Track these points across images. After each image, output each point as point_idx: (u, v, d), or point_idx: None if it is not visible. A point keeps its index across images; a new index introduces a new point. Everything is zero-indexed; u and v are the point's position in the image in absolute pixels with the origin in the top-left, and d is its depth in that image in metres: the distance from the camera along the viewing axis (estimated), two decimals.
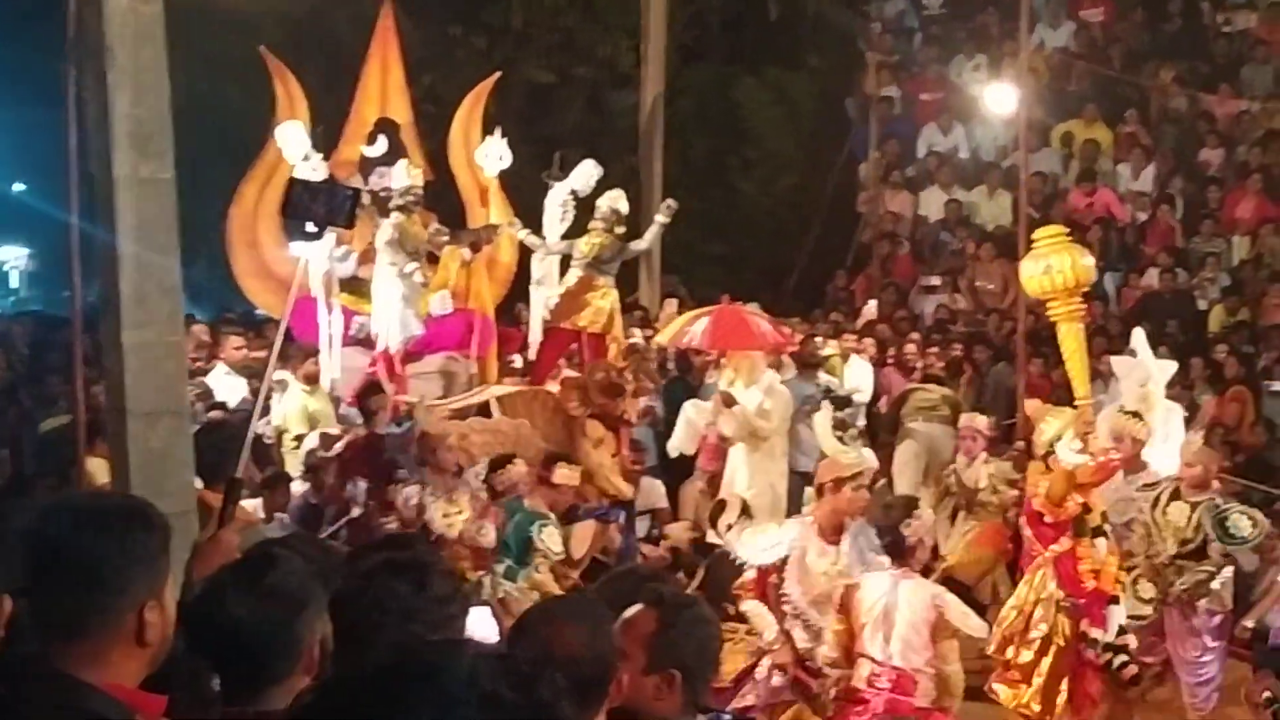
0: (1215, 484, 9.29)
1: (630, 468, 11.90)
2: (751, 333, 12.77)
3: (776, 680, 7.54)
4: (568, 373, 12.84)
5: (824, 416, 8.14)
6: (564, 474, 9.95)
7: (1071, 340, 8.70)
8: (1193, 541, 8.93)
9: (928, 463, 12.26)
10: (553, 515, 9.76)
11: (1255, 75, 19.12)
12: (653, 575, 4.40)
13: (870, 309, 16.34)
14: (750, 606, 7.63)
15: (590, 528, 10.53)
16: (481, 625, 7.86)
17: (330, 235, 10.96)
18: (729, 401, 11.97)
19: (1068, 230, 9.30)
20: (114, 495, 3.19)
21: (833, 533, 7.53)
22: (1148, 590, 9.02)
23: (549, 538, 9.38)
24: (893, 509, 7.40)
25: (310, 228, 4.47)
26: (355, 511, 10.39)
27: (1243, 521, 8.91)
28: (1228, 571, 9.12)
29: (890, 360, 15.20)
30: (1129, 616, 8.75)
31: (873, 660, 7.12)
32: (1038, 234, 9.04)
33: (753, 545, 7.62)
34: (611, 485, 10.54)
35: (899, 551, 7.21)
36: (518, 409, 11.08)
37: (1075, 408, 8.70)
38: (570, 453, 10.59)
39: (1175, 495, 9.05)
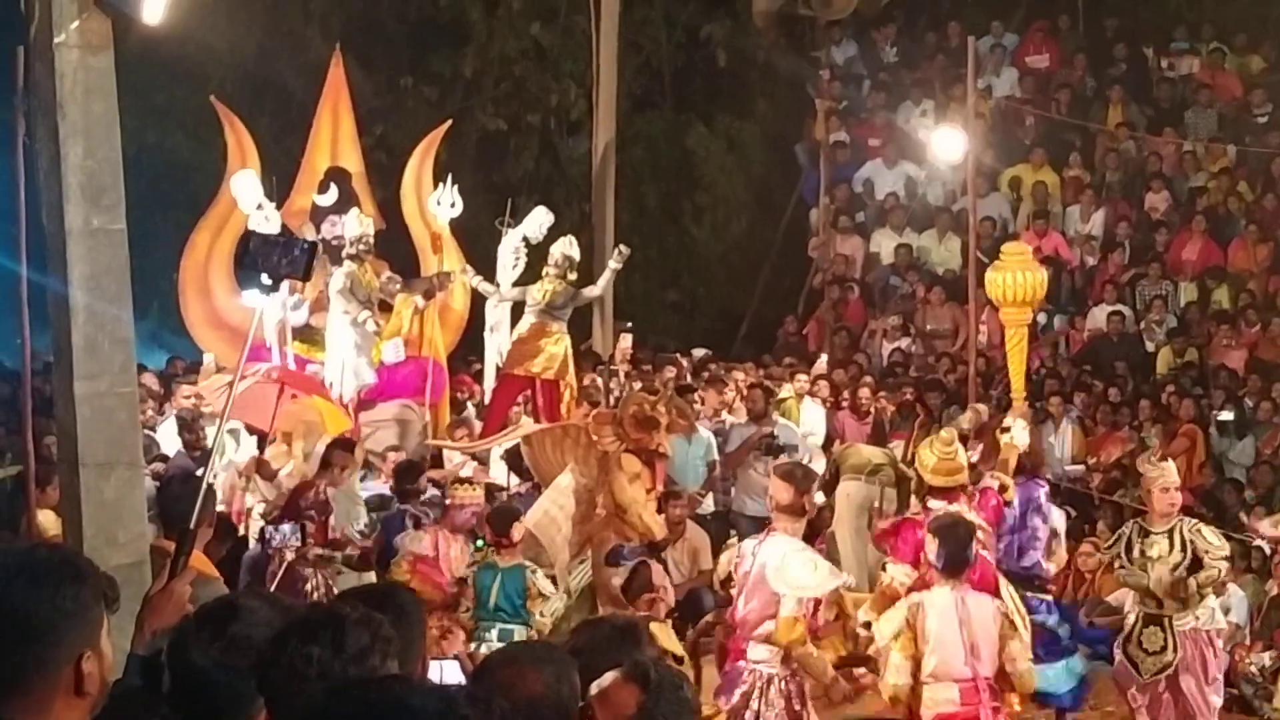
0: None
1: (670, 510, 11.17)
2: (321, 386, 12.24)
3: None
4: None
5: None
6: (519, 527, 9.75)
7: (1017, 342, 9.82)
8: (1183, 562, 9.05)
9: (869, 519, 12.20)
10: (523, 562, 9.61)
11: (1198, 119, 19.38)
12: (628, 627, 4.36)
13: (821, 364, 16.27)
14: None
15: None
16: (450, 676, 7.82)
17: (284, 285, 10.93)
18: (266, 472, 11.13)
19: (1025, 252, 10.31)
20: (44, 548, 3.16)
21: None
22: (1155, 639, 9.12)
23: (542, 582, 9.32)
24: (959, 527, 7.67)
25: (265, 280, 4.46)
26: (289, 555, 10.42)
27: (1215, 536, 9.27)
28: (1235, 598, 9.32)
29: (844, 404, 15.26)
30: (1152, 675, 9.07)
31: (958, 680, 7.32)
32: (1006, 248, 10.17)
33: (814, 578, 7.44)
34: (642, 524, 10.17)
35: (962, 568, 7.49)
36: (546, 448, 10.97)
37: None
38: (604, 489, 10.37)
39: (1143, 533, 9.22)
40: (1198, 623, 9.08)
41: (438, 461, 12.72)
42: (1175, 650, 9.00)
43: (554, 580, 9.61)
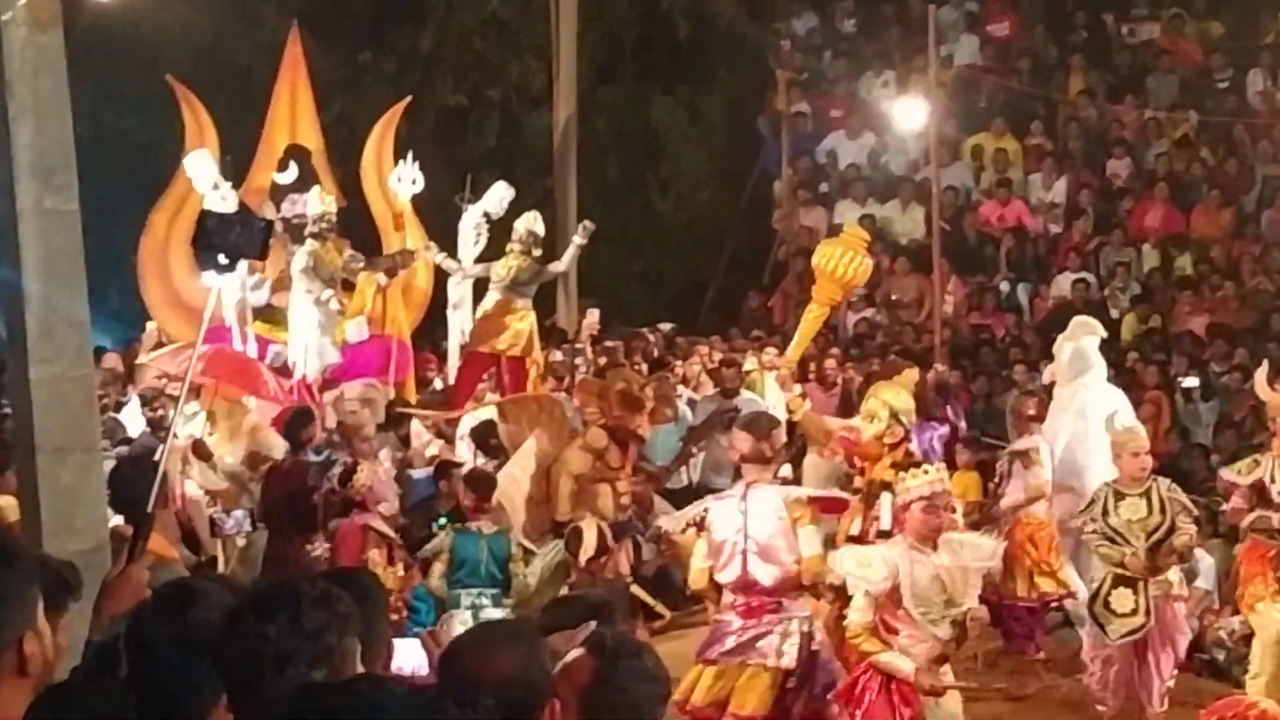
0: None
1: (635, 488, 10.85)
2: (256, 377, 11.93)
3: None
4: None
5: None
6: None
7: (814, 318, 9.93)
8: (1162, 524, 8.95)
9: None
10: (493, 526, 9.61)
11: (1160, 85, 19.40)
12: (602, 604, 4.31)
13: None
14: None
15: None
16: (410, 656, 7.80)
17: (243, 264, 10.81)
18: (202, 453, 10.76)
19: (866, 240, 10.34)
20: None
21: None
22: (1125, 601, 9.04)
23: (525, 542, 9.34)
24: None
25: (222, 259, 4.40)
26: (240, 542, 10.35)
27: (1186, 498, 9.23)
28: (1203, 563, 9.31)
29: (811, 376, 15.22)
30: (1120, 637, 8.92)
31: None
32: (849, 229, 10.49)
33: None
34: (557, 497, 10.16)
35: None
36: (523, 422, 10.94)
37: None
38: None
39: (1118, 496, 9.06)
40: (1171, 589, 9.04)
41: (404, 441, 12.65)
42: (1147, 614, 8.92)
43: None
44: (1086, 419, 10.47)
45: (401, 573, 9.49)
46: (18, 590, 2.79)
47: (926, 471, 7.19)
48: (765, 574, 7.32)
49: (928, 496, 7.09)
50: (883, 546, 7.37)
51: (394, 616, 9.02)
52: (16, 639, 2.77)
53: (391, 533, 9.63)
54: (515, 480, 10.27)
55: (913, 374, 9.67)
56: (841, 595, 7.61)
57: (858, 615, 7.11)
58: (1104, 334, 11.59)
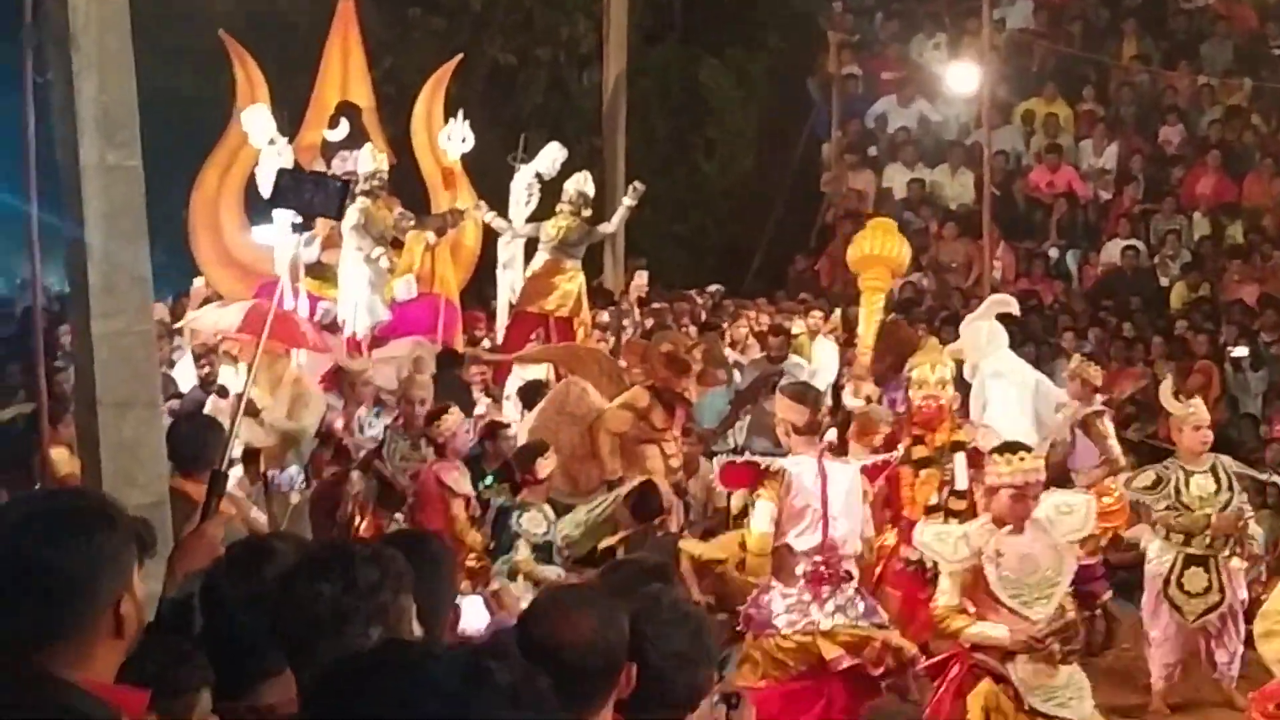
0: None
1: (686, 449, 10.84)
2: (294, 329, 11.75)
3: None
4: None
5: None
6: (544, 464, 9.65)
7: (873, 305, 10.85)
8: (1231, 500, 8.95)
9: None
10: (539, 502, 9.54)
11: (1214, 51, 19.21)
12: (657, 567, 4.31)
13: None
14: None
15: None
16: (474, 616, 7.83)
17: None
18: (248, 409, 10.10)
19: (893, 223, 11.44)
20: (70, 495, 3.12)
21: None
22: (1198, 580, 8.99)
23: (529, 522, 9.24)
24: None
25: (297, 219, 4.40)
26: (294, 499, 10.35)
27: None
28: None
29: (857, 341, 15.17)
30: (1198, 617, 8.93)
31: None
32: (872, 222, 11.56)
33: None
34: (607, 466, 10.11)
35: None
36: (588, 374, 10.98)
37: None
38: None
39: (1187, 474, 9.03)
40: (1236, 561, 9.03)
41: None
42: (1221, 591, 8.90)
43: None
44: (1002, 377, 10.55)
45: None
46: (116, 552, 2.81)
47: (1023, 459, 7.01)
48: (844, 542, 7.31)
49: (1019, 486, 6.93)
50: (965, 526, 7.27)
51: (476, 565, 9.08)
52: (115, 601, 2.80)
53: (468, 487, 9.53)
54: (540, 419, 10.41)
55: (935, 341, 9.67)
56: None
57: (944, 598, 6.97)
58: (1017, 310, 11.88)
